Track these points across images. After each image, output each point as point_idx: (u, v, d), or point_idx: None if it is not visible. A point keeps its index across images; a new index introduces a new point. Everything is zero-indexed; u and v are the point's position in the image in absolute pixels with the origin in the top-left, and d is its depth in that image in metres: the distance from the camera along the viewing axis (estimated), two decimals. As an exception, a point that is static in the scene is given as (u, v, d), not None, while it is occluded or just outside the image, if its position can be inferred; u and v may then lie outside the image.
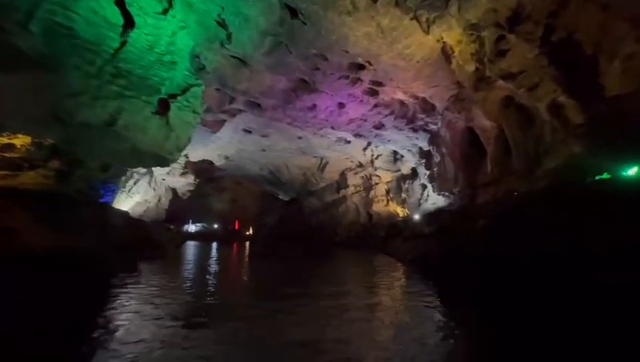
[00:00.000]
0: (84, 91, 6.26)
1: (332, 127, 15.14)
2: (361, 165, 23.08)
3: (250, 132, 15.56)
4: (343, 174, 24.75)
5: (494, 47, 9.15)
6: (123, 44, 6.41)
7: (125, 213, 10.32)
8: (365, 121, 14.87)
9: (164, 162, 8.54)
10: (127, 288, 6.25)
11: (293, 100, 12.41)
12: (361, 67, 10.84)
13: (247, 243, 15.75)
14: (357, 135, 16.19)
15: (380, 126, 15.60)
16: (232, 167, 24.37)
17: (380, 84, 11.95)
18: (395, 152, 20.64)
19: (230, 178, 32.14)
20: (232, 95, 11.61)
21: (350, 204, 25.84)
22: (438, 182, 17.00)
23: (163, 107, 7.56)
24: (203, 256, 14.11)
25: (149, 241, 11.27)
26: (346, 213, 26.40)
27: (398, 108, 14.46)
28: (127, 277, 7.02)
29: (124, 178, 13.08)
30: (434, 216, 10.98)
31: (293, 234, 12.10)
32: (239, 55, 9.42)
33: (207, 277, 7.97)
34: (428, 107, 14.26)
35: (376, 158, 20.85)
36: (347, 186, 25.07)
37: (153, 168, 16.39)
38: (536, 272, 5.11)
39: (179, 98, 7.79)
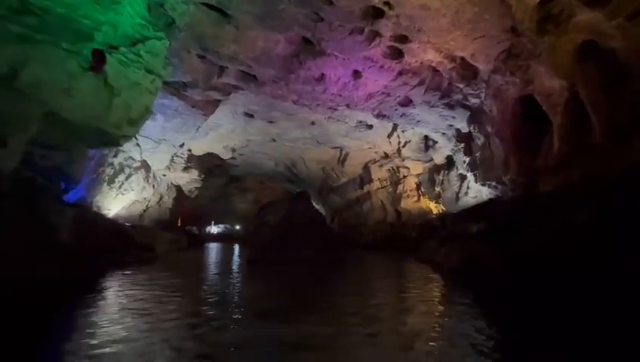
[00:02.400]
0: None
1: (347, 105, 12.56)
2: (386, 156, 20.22)
3: (252, 116, 13.40)
4: (366, 167, 22.00)
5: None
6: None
7: (86, 211, 8.45)
8: (388, 95, 12.14)
9: (110, 140, 6.52)
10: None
11: (296, 69, 10.03)
12: (378, 14, 8.21)
13: (244, 248, 13.47)
14: (379, 115, 13.47)
15: (406, 102, 12.77)
16: (244, 163, 22.55)
17: (404, 39, 9.21)
18: (426, 138, 17.59)
19: (253, 178, 30.60)
20: (219, 63, 9.45)
21: (375, 201, 23.00)
22: (482, 169, 13.78)
23: (101, 63, 5.52)
24: (202, 261, 12.11)
25: (127, 246, 9.38)
26: (370, 212, 23.59)
27: (430, 77, 11.56)
28: (70, 304, 4.97)
29: (104, 169, 11.47)
30: (482, 210, 8.08)
31: (301, 234, 9.68)
32: (215, 2, 7.19)
33: (183, 294, 5.82)
34: (468, 73, 11.23)
35: (404, 146, 17.91)
36: (371, 181, 22.28)
37: (150, 162, 14.79)
38: None
39: (123, 50, 5.70)
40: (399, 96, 12.26)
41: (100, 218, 9.60)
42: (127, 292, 5.66)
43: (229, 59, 9.11)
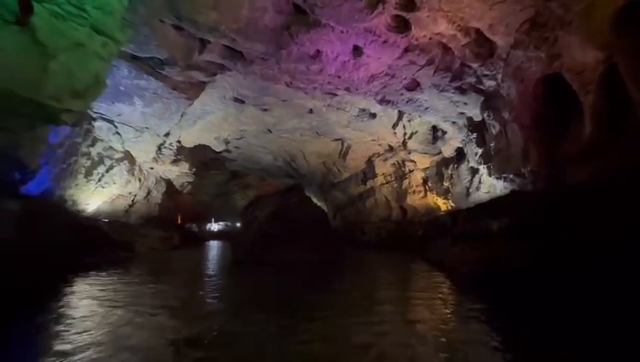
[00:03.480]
0: None
1: (348, 89, 11.31)
2: (390, 149, 18.93)
3: (242, 102, 12.21)
4: (369, 161, 20.74)
5: None
6: None
7: (42, 205, 7.29)
8: (393, 77, 10.85)
9: (50, 115, 5.33)
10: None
11: (288, 44, 8.80)
12: (381, -28, 6.97)
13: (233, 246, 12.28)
14: (383, 101, 12.18)
15: (413, 85, 11.47)
16: (241, 157, 21.45)
17: (412, 5, 7.93)
18: (434, 128, 16.26)
19: (254, 174, 29.63)
20: (198, 36, 8.26)
21: (379, 197, 21.74)
22: (497, 161, 12.43)
23: (28, 13, 4.36)
24: (185, 262, 11.00)
25: (97, 245, 8.28)
26: (374, 208, 22.35)
27: (440, 56, 10.25)
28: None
29: (78, 159, 10.38)
30: (503, 205, 6.81)
31: (294, 232, 8.51)
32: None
33: (123, 307, 4.68)
34: (484, 50, 9.89)
35: (410, 138, 16.59)
36: (375, 176, 21.01)
37: (134, 153, 13.73)
38: None
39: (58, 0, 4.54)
40: (405, 78, 10.97)
41: (62, 212, 8.51)
42: (56, 304, 4.54)
43: (209, 30, 7.91)
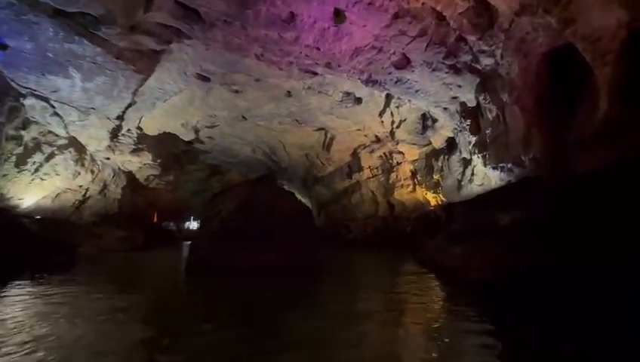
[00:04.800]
0: None
1: (329, 65, 9.86)
2: (377, 140, 17.66)
3: (208, 79, 10.56)
4: (355, 153, 19.42)
5: None
6: None
7: None
8: (380, 51, 9.48)
9: None
10: None
11: (255, 2, 7.26)
12: None
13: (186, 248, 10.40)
14: (369, 81, 10.81)
15: (403, 63, 10.14)
16: (216, 149, 19.71)
17: (403, -47, 6.55)
18: (423, 117, 15.08)
19: (236, 170, 27.86)
20: (139, -13, 6.62)
21: (366, 192, 20.49)
22: (494, 149, 11.27)
23: None
24: (132, 269, 9.34)
25: (20, 246, 6.55)
26: (360, 204, 21.08)
27: (434, 27, 8.93)
28: None
29: (2, 144, 8.51)
30: (513, 195, 5.56)
31: (266, 230, 7.02)
32: None
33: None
34: (483, 20, 8.63)
35: (398, 127, 15.34)
36: (361, 169, 19.73)
37: (82, 140, 11.85)
38: None
39: None
40: (394, 53, 9.61)
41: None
42: None
43: (151, -24, 6.30)
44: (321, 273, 7.26)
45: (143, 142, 13.56)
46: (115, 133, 12.10)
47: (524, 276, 4.08)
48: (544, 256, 4.13)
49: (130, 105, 10.83)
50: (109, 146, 12.50)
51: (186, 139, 15.38)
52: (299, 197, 27.58)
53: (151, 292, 5.67)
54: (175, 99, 11.72)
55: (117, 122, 11.29)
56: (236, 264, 7.17)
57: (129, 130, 12.67)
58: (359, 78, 10.79)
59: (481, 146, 12.02)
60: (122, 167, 14.60)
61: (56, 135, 10.66)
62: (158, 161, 15.00)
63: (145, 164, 14.68)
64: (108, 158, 13.41)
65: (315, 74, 10.76)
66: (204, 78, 10.41)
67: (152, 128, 13.54)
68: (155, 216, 30.37)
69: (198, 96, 11.80)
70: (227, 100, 12.30)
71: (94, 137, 11.69)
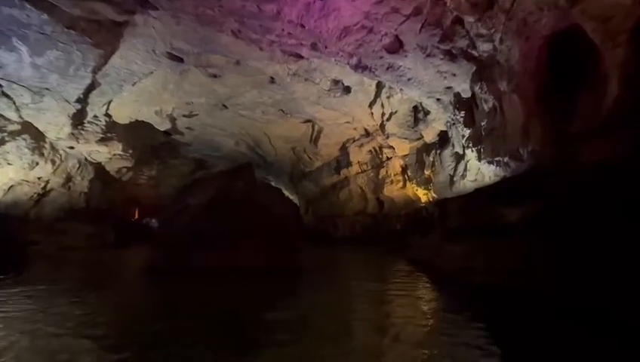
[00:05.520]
0: None
1: (314, 46, 8.99)
2: (367, 133, 16.95)
3: (181, 60, 9.52)
4: (343, 148, 18.66)
5: None
6: None
7: None
8: (371, 31, 8.65)
9: None
10: None
11: (228, -34, 6.31)
12: None
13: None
14: (359, 66, 9.98)
15: (395, 46, 9.34)
16: (197, 141, 18.58)
17: None
18: (415, 109, 14.44)
19: (223, 165, 26.69)
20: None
21: (354, 188, 19.77)
22: (490, 142, 10.62)
23: None
24: (90, 269, 8.33)
25: None
26: (348, 201, 20.36)
27: (429, 6, 8.16)
28: None
29: None
30: (522, 186, 4.84)
31: (242, 227, 6.12)
32: None
33: None
34: (482, 0, 7.95)
35: (389, 119, 14.63)
36: (350, 164, 18.99)
37: (40, 126, 10.63)
38: None
39: None
40: (386, 34, 8.80)
41: None
42: None
43: None
44: (302, 276, 6.42)
45: (112, 130, 12.38)
46: (79, 120, 10.91)
47: (539, 281, 3.33)
48: (562, 258, 3.40)
49: (92, 88, 9.69)
50: (73, 134, 11.29)
51: (161, 129, 14.24)
52: (286, 193, 26.69)
53: (90, 297, 4.70)
54: (146, 82, 10.63)
55: (78, 106, 10.11)
56: (205, 265, 6.27)
57: (96, 116, 11.49)
58: (348, 63, 9.94)
59: (475, 139, 11.39)
60: (89, 158, 13.37)
61: (7, 119, 9.44)
62: (130, 151, 13.82)
63: (115, 155, 13.47)
64: (72, 148, 12.18)
65: (300, 57, 9.87)
66: (177, 59, 9.37)
67: (122, 116, 12.37)
68: (137, 212, 28.92)
69: (172, 80, 10.74)
70: (205, 85, 11.27)
71: (53, 123, 10.47)
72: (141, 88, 10.93)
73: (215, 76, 10.81)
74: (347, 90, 12.69)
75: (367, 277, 6.38)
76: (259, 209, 6.84)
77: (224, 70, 10.45)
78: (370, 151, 17.90)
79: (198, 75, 10.56)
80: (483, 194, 6.15)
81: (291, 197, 26.97)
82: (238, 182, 7.23)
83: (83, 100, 10.02)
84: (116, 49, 8.36)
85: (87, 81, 9.19)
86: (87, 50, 7.89)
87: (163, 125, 13.89)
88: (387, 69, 10.23)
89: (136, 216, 29.41)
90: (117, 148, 12.90)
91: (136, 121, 13.11)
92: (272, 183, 27.31)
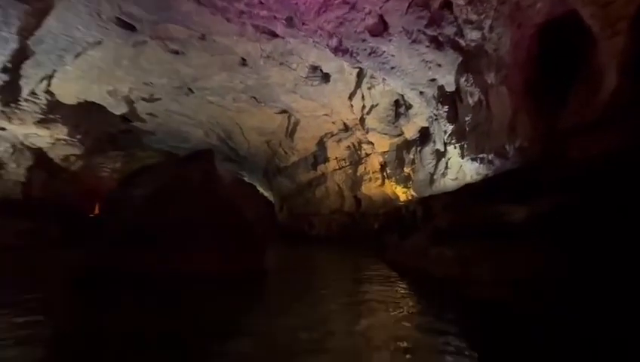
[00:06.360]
0: None
1: (290, 22, 7.99)
2: (346, 128, 16.15)
3: (133, 28, 8.18)
4: (321, 143, 17.76)
5: None
6: None
7: None
8: (353, 8, 7.80)
9: None
10: None
11: None
12: None
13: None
14: (339, 49, 9.11)
15: (379, 28, 8.54)
16: (161, 130, 16.98)
17: None
18: (396, 104, 13.83)
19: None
20: None
21: (331, 185, 18.95)
22: (474, 138, 10.10)
23: None
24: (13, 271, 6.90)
25: None
26: (325, 198, 19.52)
27: (417, -17, 7.44)
28: None
29: None
30: (527, 180, 4.13)
31: (199, 223, 4.99)
32: None
33: None
34: (474, -19, 7.32)
35: (369, 113, 13.92)
36: (327, 160, 18.13)
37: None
38: None
39: None
40: (369, 13, 7.98)
41: None
42: None
43: None
44: (264, 283, 5.41)
45: (55, 111, 10.70)
46: (11, 96, 9.19)
47: (564, 296, 2.56)
48: (591, 267, 2.65)
49: (24, 56, 8.11)
50: (3, 112, 9.55)
51: (116, 113, 12.64)
52: (260, 189, 25.35)
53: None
54: (94, 55, 9.15)
55: (5, 77, 8.44)
56: (146, 270, 5.12)
57: (34, 93, 9.82)
58: (328, 45, 9.03)
59: (458, 135, 10.86)
60: (27, 143, 11.54)
61: None
62: (79, 137, 12.12)
63: (59, 140, 11.73)
64: (3, 129, 10.39)
65: (275, 35, 8.84)
66: (129, 27, 8.01)
67: (68, 94, 10.73)
68: (98, 207, 26.57)
69: (126, 54, 9.33)
70: (165, 64, 9.94)
71: (-25, 97, 8.77)
72: (89, 62, 9.43)
73: (177, 53, 9.53)
74: (326, 78, 11.79)
75: (343, 285, 5.49)
76: (216, 203, 5.77)
77: (187, 46, 9.20)
78: (349, 146, 17.14)
79: (157, 50, 9.24)
80: (475, 189, 5.45)
81: (266, 193, 25.87)
82: (194, 171, 6.11)
83: (12, 71, 8.38)
84: (50, 8, 6.93)
85: (14, 46, 7.61)
86: (7, 4, 6.42)
87: (119, 108, 12.31)
88: (370, 54, 9.43)
89: (97, 211, 27.04)
90: (61, 132, 11.18)
91: (87, 102, 11.48)
92: (246, 179, 25.97)
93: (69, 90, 10.54)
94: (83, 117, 11.84)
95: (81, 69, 9.65)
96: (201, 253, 5.31)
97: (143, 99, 12.31)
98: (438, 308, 3.40)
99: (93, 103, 11.71)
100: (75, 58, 8.82)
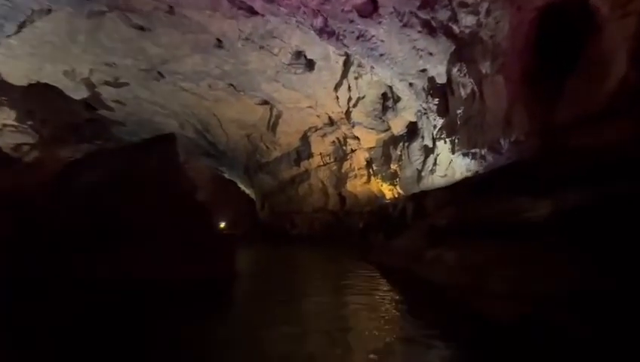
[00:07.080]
0: None
1: (269, -4, 7.11)
2: (331, 122, 15.40)
3: (87, -5, 7.09)
4: (304, 137, 16.93)
5: None
6: None
7: None
8: (340, -17, 7.01)
9: None
10: None
11: None
12: None
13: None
14: (324, 31, 8.32)
15: (369, 9, 7.79)
16: (131, 120, 15.67)
17: None
18: (384, 97, 13.18)
19: None
20: None
21: (315, 182, 18.15)
22: (466, 132, 9.53)
23: None
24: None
25: None
26: (308, 196, 18.70)
27: (411, -43, 6.75)
28: None
29: None
30: (560, 169, 3.45)
31: (145, 218, 4.00)
32: None
33: None
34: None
35: (355, 105, 13.21)
36: (311, 156, 17.33)
37: None
38: None
39: None
40: (359, -9, 7.23)
41: None
42: None
43: None
44: (229, 293, 4.51)
45: (3, 92, 9.37)
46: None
47: (615, 313, 1.86)
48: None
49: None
50: None
51: (76, 98, 11.33)
52: (241, 186, 24.12)
53: None
54: (44, 27, 7.94)
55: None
56: (89, 273, 4.17)
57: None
58: (312, 26, 8.22)
59: (449, 130, 10.29)
60: (-34, 128, 10.11)
61: None
62: (30, 123, 10.75)
63: (5, 126, 10.36)
64: None
65: (254, 12, 7.94)
66: (81, -8, 6.93)
67: (15, 74, 9.41)
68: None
69: (82, 28, 8.16)
70: (129, 41, 8.82)
71: None
72: (38, 36, 8.20)
73: (142, 28, 8.45)
74: (310, 65, 10.97)
75: (325, 293, 4.68)
76: (175, 196, 4.85)
77: (154, 21, 8.15)
78: (334, 141, 16.39)
79: (118, 23, 8.12)
80: (478, 182, 4.79)
81: (247, 191, 24.74)
82: (150, 159, 5.15)
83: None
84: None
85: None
86: None
87: (78, 93, 11.01)
88: (358, 37, 8.68)
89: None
90: (8, 116, 9.82)
91: (40, 84, 10.16)
92: (226, 175, 24.74)
93: (17, 68, 9.23)
94: (36, 101, 10.50)
95: (29, 43, 8.40)
96: (154, 256, 4.40)
97: (107, 83, 11.07)
98: (451, 337, 2.51)
99: (48, 86, 10.40)
100: (19, 29, 7.59)
